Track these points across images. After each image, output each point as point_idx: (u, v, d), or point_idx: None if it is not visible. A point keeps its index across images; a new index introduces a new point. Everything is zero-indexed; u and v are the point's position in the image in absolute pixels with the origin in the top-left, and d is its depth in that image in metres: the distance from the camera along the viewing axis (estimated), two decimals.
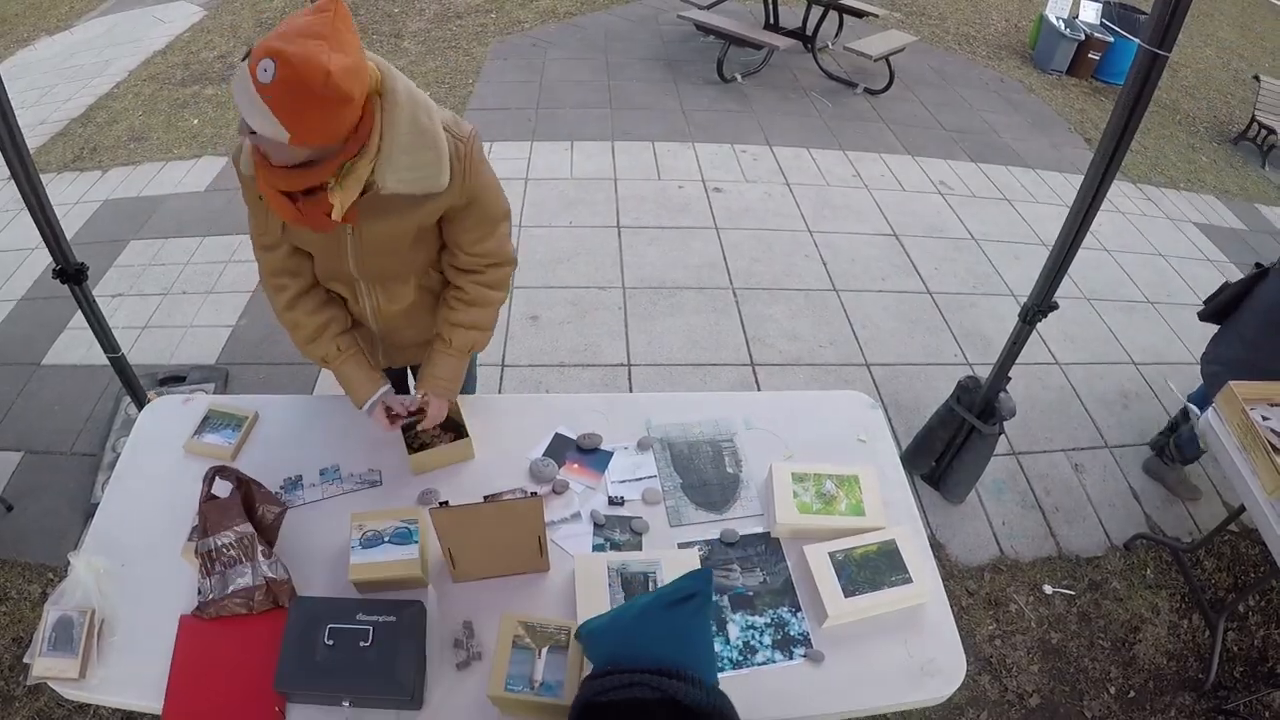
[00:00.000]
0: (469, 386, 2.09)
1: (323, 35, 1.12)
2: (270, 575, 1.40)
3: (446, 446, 1.69)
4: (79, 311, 2.28)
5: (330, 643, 1.28)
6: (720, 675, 1.24)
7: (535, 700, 1.25)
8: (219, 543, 1.42)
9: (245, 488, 1.48)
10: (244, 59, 1.15)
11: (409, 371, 2.10)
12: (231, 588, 1.40)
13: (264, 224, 1.51)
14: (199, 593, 1.41)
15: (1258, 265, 2.58)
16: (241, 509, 1.43)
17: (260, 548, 1.41)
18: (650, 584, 1.45)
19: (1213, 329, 2.72)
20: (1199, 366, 2.71)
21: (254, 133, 1.18)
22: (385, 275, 1.59)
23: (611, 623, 1.07)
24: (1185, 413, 2.91)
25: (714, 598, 1.48)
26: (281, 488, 1.64)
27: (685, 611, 1.03)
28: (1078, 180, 2.05)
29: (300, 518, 1.57)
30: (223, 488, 1.47)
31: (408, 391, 2.13)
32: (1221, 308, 2.65)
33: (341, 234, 1.46)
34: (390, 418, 1.68)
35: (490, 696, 1.26)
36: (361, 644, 1.28)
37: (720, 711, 0.94)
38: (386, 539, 1.45)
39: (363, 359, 1.69)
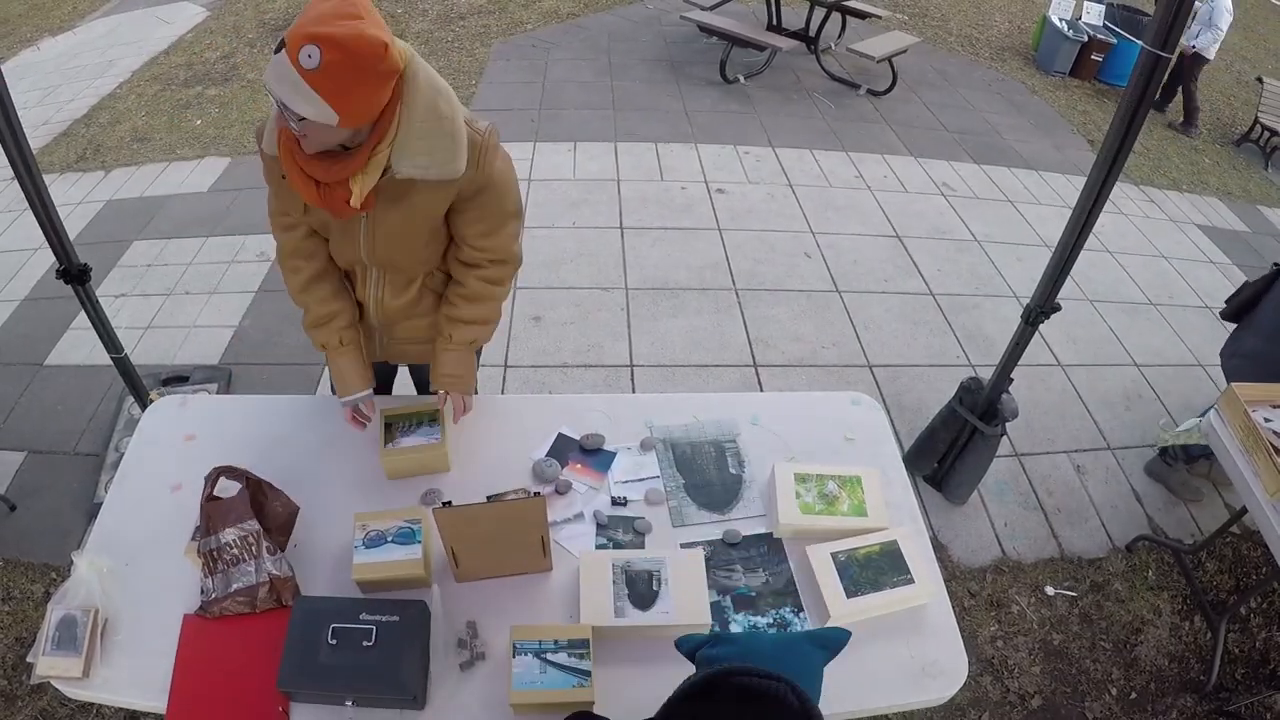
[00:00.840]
0: None
1: (359, 15, 1.16)
2: (274, 572, 1.40)
3: (417, 449, 1.65)
4: (82, 312, 2.29)
5: (333, 642, 1.28)
6: None
7: (551, 692, 1.27)
8: (221, 541, 1.42)
9: (254, 487, 1.49)
10: (277, 50, 1.17)
11: (409, 371, 2.11)
12: (234, 586, 1.40)
13: (286, 203, 1.52)
14: (202, 592, 1.42)
15: (1275, 265, 2.64)
16: (248, 507, 1.44)
17: (265, 544, 1.42)
18: (655, 582, 1.45)
19: (1224, 332, 2.76)
20: (1213, 366, 2.74)
21: (302, 119, 1.20)
22: (394, 265, 1.60)
23: (748, 640, 1.10)
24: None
25: (726, 605, 1.48)
26: None
27: (822, 657, 1.04)
28: (1080, 182, 2.06)
29: (304, 518, 1.57)
30: (228, 487, 1.47)
31: (390, 390, 2.13)
32: (1242, 306, 2.70)
33: (357, 219, 1.47)
34: (360, 420, 1.71)
35: (513, 705, 1.27)
36: (365, 644, 1.28)
37: None
38: (390, 539, 1.45)
39: (359, 355, 1.70)
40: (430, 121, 1.32)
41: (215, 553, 1.42)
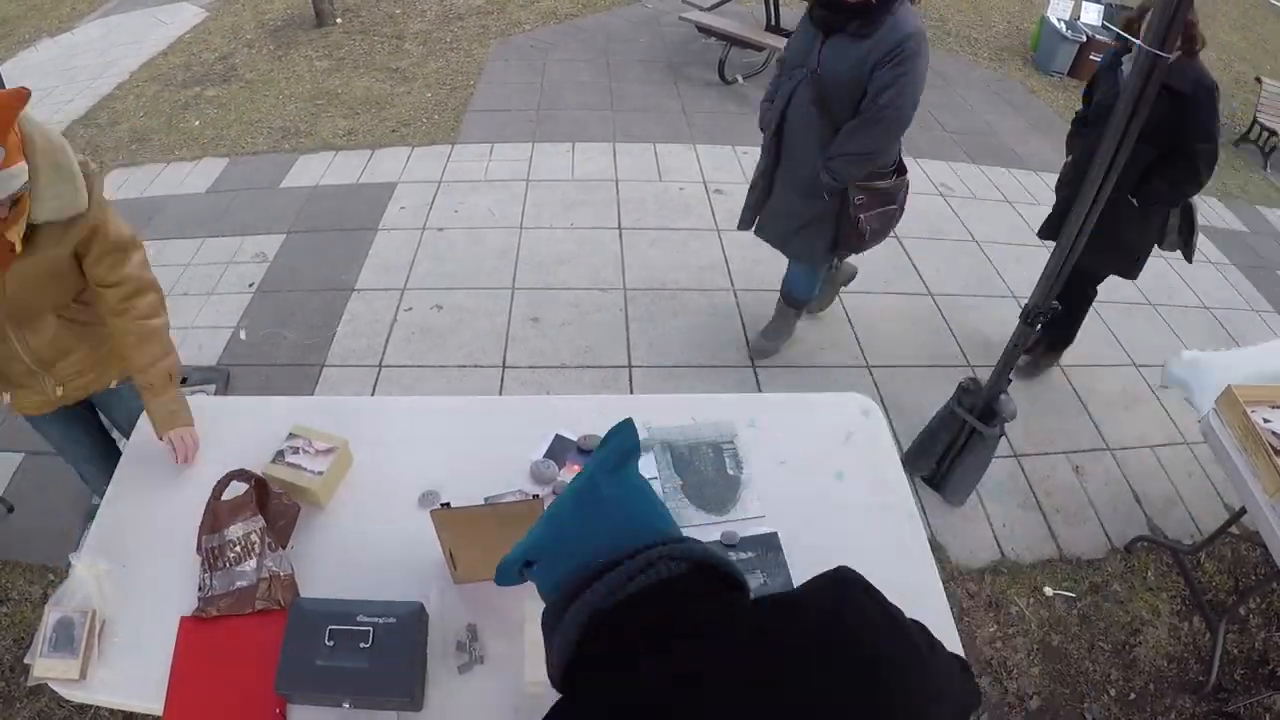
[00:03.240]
0: None
1: None
2: (274, 569, 1.41)
3: (293, 474, 1.59)
4: None
5: (331, 644, 1.28)
6: None
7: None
8: (226, 538, 1.44)
9: (259, 486, 1.50)
10: None
11: (102, 413, 2.16)
12: (234, 585, 1.41)
13: None
14: (199, 589, 1.42)
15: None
16: (254, 505, 1.45)
17: (267, 540, 1.43)
18: None
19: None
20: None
21: None
22: (27, 311, 1.66)
23: (556, 528, 0.80)
24: None
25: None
26: None
27: (633, 470, 0.84)
28: None
29: (302, 519, 1.57)
30: (236, 488, 1.49)
31: (100, 426, 2.18)
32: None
33: None
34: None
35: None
36: (362, 645, 1.28)
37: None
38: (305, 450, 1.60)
39: None
40: (54, 172, 1.44)
41: (217, 550, 1.43)
